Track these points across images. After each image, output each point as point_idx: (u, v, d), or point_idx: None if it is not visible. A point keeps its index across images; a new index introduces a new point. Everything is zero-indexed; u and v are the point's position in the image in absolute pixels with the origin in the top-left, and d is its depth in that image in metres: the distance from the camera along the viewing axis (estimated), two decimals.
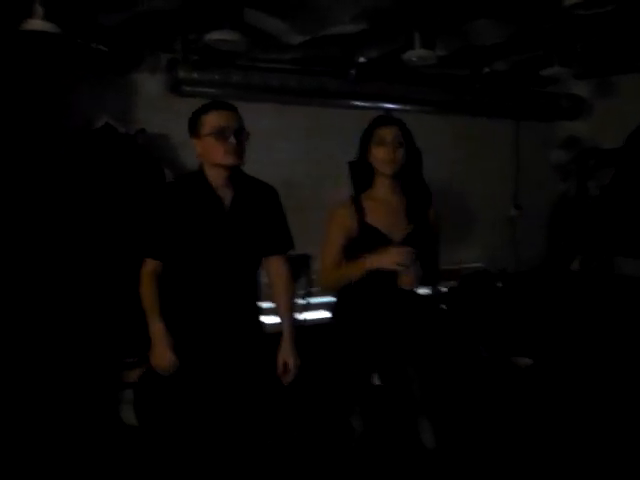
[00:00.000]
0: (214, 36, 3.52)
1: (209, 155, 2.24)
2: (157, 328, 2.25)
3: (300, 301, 4.92)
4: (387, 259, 2.35)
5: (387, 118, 2.55)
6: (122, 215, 3.85)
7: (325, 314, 4.79)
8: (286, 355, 2.43)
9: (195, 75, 4.36)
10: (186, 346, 2.28)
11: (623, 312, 4.55)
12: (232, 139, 2.20)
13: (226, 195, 2.29)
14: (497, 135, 6.18)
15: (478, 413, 3.75)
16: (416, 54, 3.96)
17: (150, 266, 2.31)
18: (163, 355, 2.23)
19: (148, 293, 2.29)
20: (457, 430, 3.40)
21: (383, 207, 2.51)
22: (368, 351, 2.55)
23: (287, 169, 4.94)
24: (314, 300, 4.82)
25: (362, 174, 2.56)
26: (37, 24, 3.15)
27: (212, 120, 2.22)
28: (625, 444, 3.28)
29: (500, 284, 5.59)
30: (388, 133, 2.46)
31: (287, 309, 2.50)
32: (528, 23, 4.05)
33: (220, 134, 2.19)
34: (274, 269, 2.49)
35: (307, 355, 2.48)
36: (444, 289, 5.46)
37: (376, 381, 2.94)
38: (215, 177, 2.27)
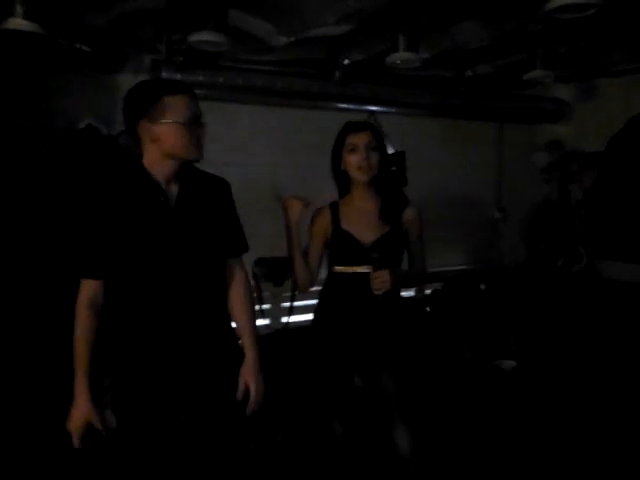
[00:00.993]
0: (198, 37, 3.50)
1: (169, 145, 1.93)
2: (81, 387, 1.96)
3: (284, 304, 4.91)
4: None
5: (357, 124, 2.54)
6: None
7: (309, 317, 4.79)
8: (248, 379, 2.12)
9: (179, 76, 4.33)
10: (144, 375, 1.98)
11: (605, 315, 4.57)
12: (201, 129, 1.97)
13: (171, 191, 1.99)
14: (481, 138, 6.21)
15: (461, 416, 3.76)
16: (400, 57, 3.96)
17: (89, 290, 1.97)
18: (78, 418, 1.96)
19: (83, 337, 1.96)
20: (436, 436, 3.40)
21: (357, 212, 2.55)
22: (347, 353, 2.56)
23: (271, 171, 4.93)
24: (298, 303, 4.80)
25: (338, 181, 2.60)
26: (17, 23, 3.11)
27: (182, 105, 1.92)
28: (609, 446, 3.30)
29: (484, 286, 5.61)
30: (360, 139, 2.46)
31: (247, 322, 2.18)
32: (511, 26, 4.07)
33: (193, 123, 1.93)
34: (229, 276, 2.17)
35: (290, 358, 2.47)
36: (428, 291, 5.48)
37: (358, 383, 2.93)
38: (162, 170, 1.96)
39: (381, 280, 2.39)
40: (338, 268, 2.56)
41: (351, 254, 2.51)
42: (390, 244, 2.51)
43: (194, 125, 1.95)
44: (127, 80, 4.42)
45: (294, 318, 4.81)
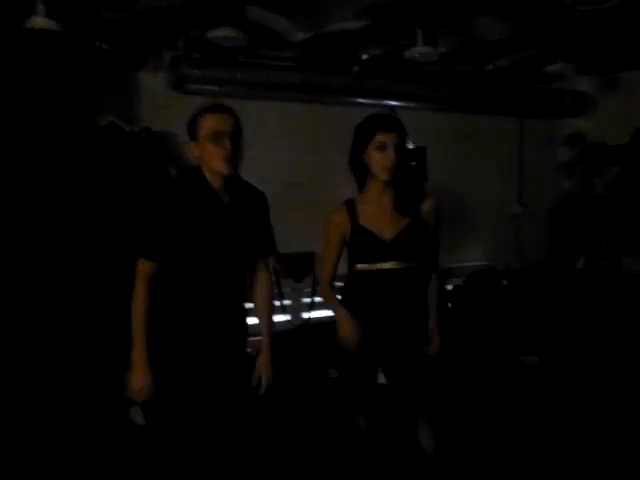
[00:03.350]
0: (216, 33, 3.52)
1: (205, 159, 2.23)
2: (140, 354, 2.21)
3: (305, 300, 4.93)
4: (343, 333, 2.49)
5: (388, 122, 2.48)
6: (127, 214, 3.84)
7: (329, 313, 4.80)
8: (262, 369, 2.45)
9: (198, 72, 4.36)
10: (182, 348, 2.28)
11: (629, 310, 4.52)
12: (227, 144, 2.18)
13: (223, 196, 2.29)
14: (501, 132, 6.16)
15: (483, 412, 3.74)
16: (418, 51, 3.94)
17: (147, 269, 2.26)
18: (139, 383, 2.20)
19: (139, 308, 2.23)
20: (459, 432, 3.39)
21: (375, 208, 2.52)
22: (372, 350, 2.54)
23: (290, 167, 4.94)
24: (319, 299, 4.81)
25: (356, 175, 2.56)
26: (39, 22, 3.15)
27: (208, 123, 2.20)
28: (630, 441, 3.27)
29: (505, 282, 5.58)
30: (390, 138, 2.42)
31: (267, 320, 2.50)
32: (531, 19, 4.03)
33: (216, 138, 2.18)
34: (256, 275, 2.50)
35: (310, 354, 2.48)
36: (449, 287, 5.45)
37: (382, 380, 2.93)
38: (212, 179, 2.26)
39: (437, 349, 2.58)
40: (360, 266, 2.52)
41: (373, 251, 2.48)
42: (411, 238, 2.48)
43: (218, 139, 2.18)
44: (147, 77, 4.47)
45: (315, 314, 4.82)
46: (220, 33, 3.51)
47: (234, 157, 2.21)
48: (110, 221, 3.85)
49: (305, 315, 4.87)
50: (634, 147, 5.23)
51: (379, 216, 2.50)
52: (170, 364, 2.27)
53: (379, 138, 2.42)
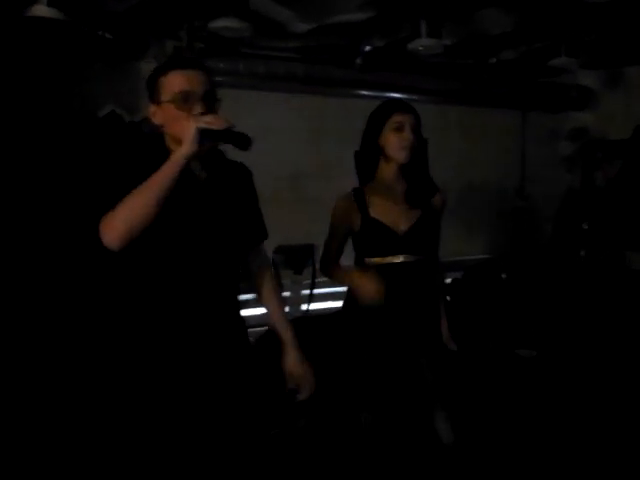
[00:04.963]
0: (219, 23, 3.50)
1: (170, 127, 1.80)
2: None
3: (304, 292, 4.92)
4: (365, 292, 2.31)
5: (404, 103, 2.46)
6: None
7: (329, 304, 4.81)
8: (296, 370, 2.03)
9: None
10: (164, 357, 1.86)
11: (629, 305, 4.52)
12: (198, 107, 1.75)
13: (198, 173, 1.86)
14: (503, 126, 6.14)
15: (482, 406, 3.75)
16: (422, 43, 3.93)
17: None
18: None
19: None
20: (468, 424, 3.39)
21: (388, 198, 2.44)
22: (382, 343, 2.48)
23: (292, 159, 4.93)
24: (318, 291, 4.82)
25: (369, 160, 2.48)
26: (41, 10, 3.14)
27: (172, 83, 1.77)
28: (629, 436, 3.28)
29: (504, 275, 5.57)
30: (407, 119, 2.38)
31: (278, 307, 2.11)
32: (536, 12, 4.01)
33: (183, 101, 1.76)
34: (253, 263, 2.10)
35: (311, 346, 2.43)
36: (448, 280, 5.45)
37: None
38: None
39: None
40: (372, 260, 2.45)
41: (386, 244, 2.41)
42: (424, 231, 2.45)
43: (186, 102, 1.76)
44: (149, 67, 4.40)
45: (314, 306, 4.83)
46: (223, 23, 3.50)
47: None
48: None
49: (304, 307, 4.87)
50: (636, 142, 5.22)
51: (391, 207, 2.43)
52: (150, 379, 1.87)
53: (396, 118, 2.38)
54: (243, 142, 1.71)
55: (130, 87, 4.33)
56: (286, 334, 2.06)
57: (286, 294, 4.89)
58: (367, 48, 4.68)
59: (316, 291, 4.80)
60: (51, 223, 3.69)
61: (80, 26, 3.76)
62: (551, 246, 6.24)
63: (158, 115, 1.83)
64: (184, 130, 1.67)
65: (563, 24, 4.29)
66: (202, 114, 1.73)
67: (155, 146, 1.87)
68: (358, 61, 4.80)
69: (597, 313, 4.63)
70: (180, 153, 1.67)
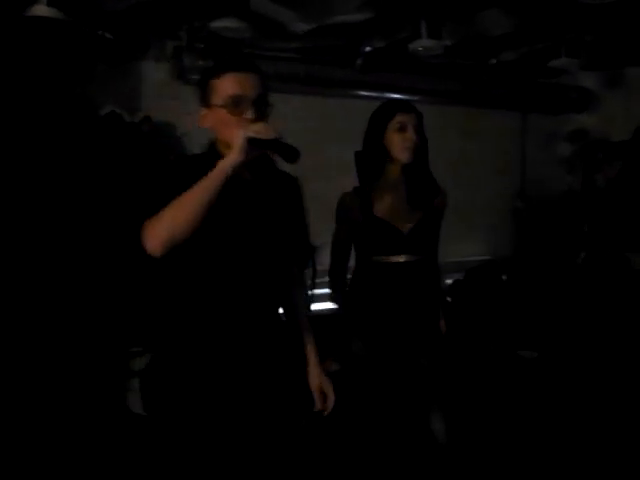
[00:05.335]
0: (219, 24, 3.50)
1: (221, 131, 1.76)
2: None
3: None
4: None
5: (407, 103, 2.46)
6: (127, 203, 3.83)
7: (330, 305, 4.78)
8: (319, 381, 2.02)
9: (200, 63, 4.33)
10: (206, 360, 1.82)
11: (630, 306, 4.52)
12: (249, 113, 1.71)
13: (244, 176, 1.78)
14: (503, 127, 6.14)
15: (484, 406, 3.74)
16: (422, 44, 3.93)
17: None
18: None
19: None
20: (469, 424, 3.39)
21: (392, 197, 2.45)
22: (383, 343, 2.49)
23: None
24: (319, 291, 4.80)
25: (372, 161, 2.46)
26: (41, 10, 3.14)
27: (225, 86, 1.73)
28: (629, 436, 3.27)
29: (505, 277, 5.57)
30: (410, 119, 2.38)
31: (306, 325, 2.06)
32: (536, 13, 4.01)
33: (234, 105, 1.72)
34: (287, 276, 2.00)
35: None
36: (449, 281, 5.45)
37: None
38: None
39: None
40: (373, 258, 2.45)
41: (389, 243, 2.41)
42: (427, 230, 2.46)
43: (238, 107, 1.72)
44: (149, 67, 4.44)
45: (314, 306, 4.82)
46: (223, 24, 3.50)
47: None
48: (107, 213, 3.83)
49: None
50: (636, 143, 5.22)
51: (395, 206, 2.44)
52: (183, 380, 1.84)
53: (399, 119, 2.38)
54: (290, 154, 1.69)
55: (130, 87, 4.34)
56: (310, 353, 2.03)
57: None
58: (367, 49, 4.67)
59: (316, 291, 4.79)
60: (57, 223, 3.69)
61: (80, 26, 3.75)
62: (551, 248, 6.24)
63: (208, 118, 1.78)
64: (233, 137, 1.64)
65: (563, 25, 4.29)
66: (252, 121, 1.69)
67: (207, 150, 1.84)
68: (358, 62, 4.80)
69: (598, 314, 4.62)
70: (227, 162, 1.63)
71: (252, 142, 1.62)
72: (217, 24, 3.52)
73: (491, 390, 3.99)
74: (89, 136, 3.95)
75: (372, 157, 2.46)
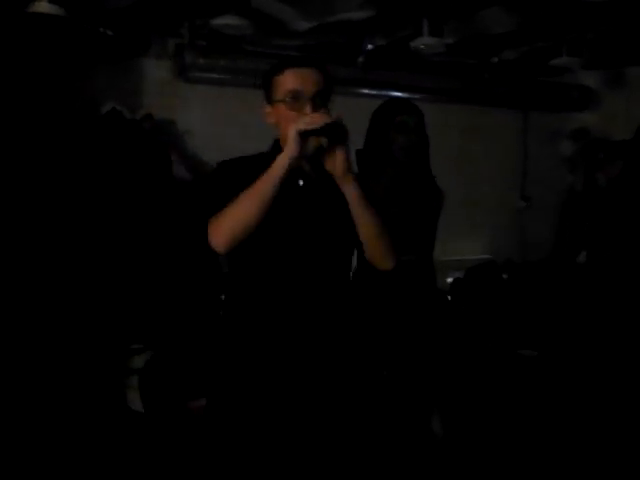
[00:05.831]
0: (221, 21, 3.50)
1: (281, 127, 1.75)
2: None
3: None
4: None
5: (407, 103, 2.48)
6: (128, 201, 3.84)
7: None
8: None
9: (202, 61, 4.33)
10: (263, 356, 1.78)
11: (630, 306, 4.52)
12: (307, 108, 1.68)
13: (300, 177, 1.78)
14: (505, 126, 6.13)
15: (483, 405, 3.75)
16: (424, 42, 3.93)
17: None
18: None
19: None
20: (470, 424, 3.39)
21: (391, 197, 2.45)
22: (379, 342, 2.49)
23: None
24: None
25: (374, 159, 2.47)
26: (43, 6, 3.14)
27: (285, 82, 1.72)
28: (629, 437, 3.27)
29: (506, 276, 5.56)
30: (411, 119, 2.40)
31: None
32: (538, 11, 4.01)
33: (293, 100, 1.71)
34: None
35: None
36: (449, 280, 5.45)
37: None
38: None
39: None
40: None
41: None
42: (426, 230, 2.48)
43: (296, 102, 1.70)
44: (150, 64, 4.44)
45: None
46: (225, 21, 3.50)
47: None
48: (109, 213, 3.83)
49: None
50: (638, 142, 5.21)
51: (394, 205, 2.44)
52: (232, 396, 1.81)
53: (399, 118, 2.40)
54: (338, 134, 1.64)
55: (132, 84, 4.33)
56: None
57: None
58: (369, 47, 4.67)
59: None
60: (56, 220, 3.70)
61: (82, 23, 3.76)
62: (553, 246, 6.24)
63: (272, 115, 1.79)
64: (288, 132, 1.63)
65: (565, 24, 4.28)
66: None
67: (272, 147, 1.84)
68: (360, 59, 4.79)
69: (599, 313, 4.62)
70: (283, 158, 1.63)
71: (304, 134, 1.61)
72: (218, 21, 3.52)
73: (491, 389, 3.99)
74: (90, 133, 3.95)
75: (374, 155, 2.47)
